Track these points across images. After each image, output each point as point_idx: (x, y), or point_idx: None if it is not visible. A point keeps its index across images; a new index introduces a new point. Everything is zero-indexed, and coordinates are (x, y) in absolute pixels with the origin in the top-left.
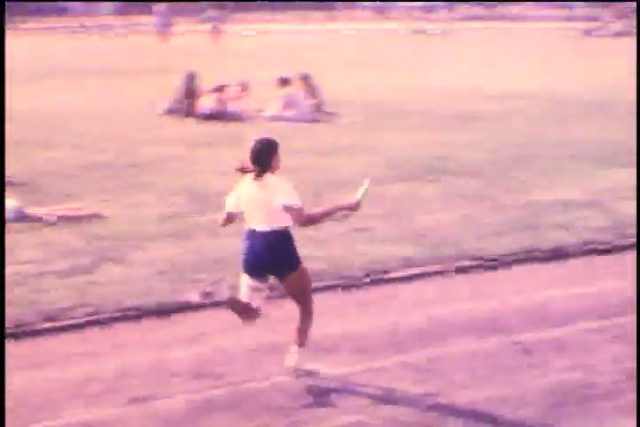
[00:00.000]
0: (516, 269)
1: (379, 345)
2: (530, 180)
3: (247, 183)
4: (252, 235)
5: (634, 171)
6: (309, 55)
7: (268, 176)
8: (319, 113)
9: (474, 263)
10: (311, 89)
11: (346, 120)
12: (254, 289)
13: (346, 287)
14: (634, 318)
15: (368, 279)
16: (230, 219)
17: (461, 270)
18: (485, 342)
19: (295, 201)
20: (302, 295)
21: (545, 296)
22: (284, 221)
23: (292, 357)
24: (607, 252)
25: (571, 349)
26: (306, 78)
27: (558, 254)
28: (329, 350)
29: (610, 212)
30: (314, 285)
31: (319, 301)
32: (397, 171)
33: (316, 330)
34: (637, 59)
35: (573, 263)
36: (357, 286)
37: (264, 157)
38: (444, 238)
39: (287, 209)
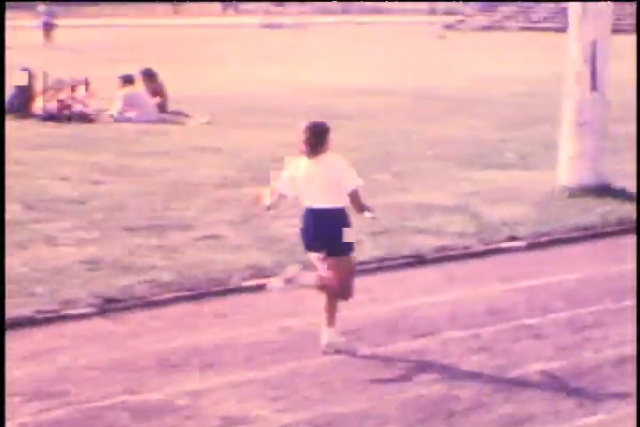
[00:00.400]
0: (375, 276)
1: (231, 360)
2: (391, 182)
3: (303, 163)
4: (311, 213)
5: (499, 173)
6: (154, 50)
7: (325, 155)
8: (165, 112)
9: None
10: (156, 87)
11: (193, 119)
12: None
13: (195, 298)
14: (495, 327)
15: (218, 289)
16: (281, 199)
17: None
18: (344, 355)
19: (358, 182)
20: (339, 282)
21: (406, 305)
22: (343, 199)
23: (325, 335)
24: (470, 257)
25: (433, 360)
26: (149, 75)
27: (419, 261)
28: (178, 365)
29: (473, 216)
30: (162, 296)
31: (167, 313)
32: (248, 173)
33: (164, 344)
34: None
35: (435, 270)
36: (207, 297)
37: (321, 138)
38: (298, 246)
39: (352, 190)
